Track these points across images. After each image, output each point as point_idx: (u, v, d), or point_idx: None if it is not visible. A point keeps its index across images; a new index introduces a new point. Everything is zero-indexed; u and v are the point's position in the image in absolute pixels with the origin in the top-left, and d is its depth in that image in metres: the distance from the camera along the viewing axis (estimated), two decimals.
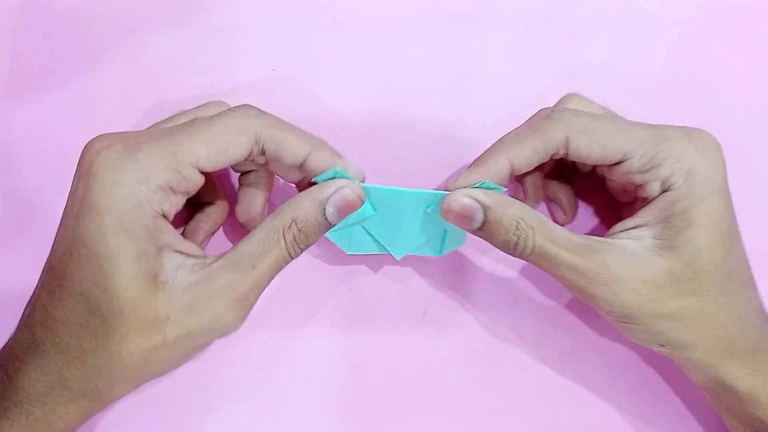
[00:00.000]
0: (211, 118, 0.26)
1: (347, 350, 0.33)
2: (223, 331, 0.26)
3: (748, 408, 0.27)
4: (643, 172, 0.27)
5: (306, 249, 0.27)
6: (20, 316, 0.26)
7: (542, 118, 0.28)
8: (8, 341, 0.26)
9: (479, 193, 0.27)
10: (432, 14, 0.37)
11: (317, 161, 0.27)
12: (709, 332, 0.27)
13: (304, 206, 0.26)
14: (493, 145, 0.29)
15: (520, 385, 0.33)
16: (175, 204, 0.26)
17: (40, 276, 0.26)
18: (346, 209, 0.27)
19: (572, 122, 0.27)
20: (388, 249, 0.31)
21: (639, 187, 0.28)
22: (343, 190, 0.27)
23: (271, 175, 0.31)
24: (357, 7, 0.36)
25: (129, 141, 0.25)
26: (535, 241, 0.26)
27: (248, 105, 0.27)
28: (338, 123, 0.35)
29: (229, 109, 0.27)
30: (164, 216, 0.25)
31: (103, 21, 0.36)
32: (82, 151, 0.25)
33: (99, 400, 0.26)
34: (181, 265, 0.25)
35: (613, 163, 0.27)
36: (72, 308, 0.24)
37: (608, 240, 0.27)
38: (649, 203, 0.27)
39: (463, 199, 0.27)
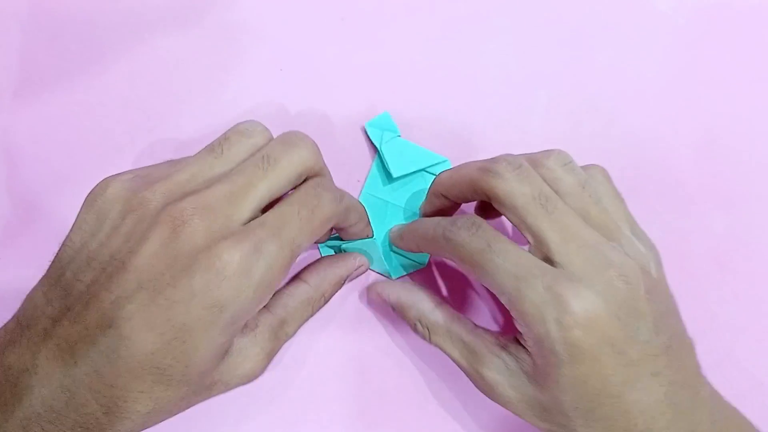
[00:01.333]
0: (312, 209, 0.26)
1: (356, 352, 0.33)
2: (249, 381, 0.28)
3: None
4: (512, 309, 0.26)
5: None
6: None
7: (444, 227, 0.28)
8: (9, 392, 0.24)
9: (387, 290, 0.31)
10: (440, 14, 0.37)
11: (356, 231, 0.31)
12: None
13: (332, 282, 0.31)
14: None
15: None
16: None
17: (61, 322, 0.24)
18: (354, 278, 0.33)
19: (459, 245, 0.27)
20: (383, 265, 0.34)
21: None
22: (361, 268, 0.32)
23: None
24: (365, 6, 0.36)
25: (254, 236, 0.24)
26: (431, 339, 0.30)
27: (330, 186, 0.28)
28: (346, 122, 0.35)
29: (317, 194, 0.27)
30: None
31: (111, 22, 0.36)
32: (171, 223, 0.24)
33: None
34: (237, 330, 0.26)
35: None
36: (141, 377, 0.23)
37: (497, 351, 0.27)
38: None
39: (373, 292, 0.32)
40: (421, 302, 0.30)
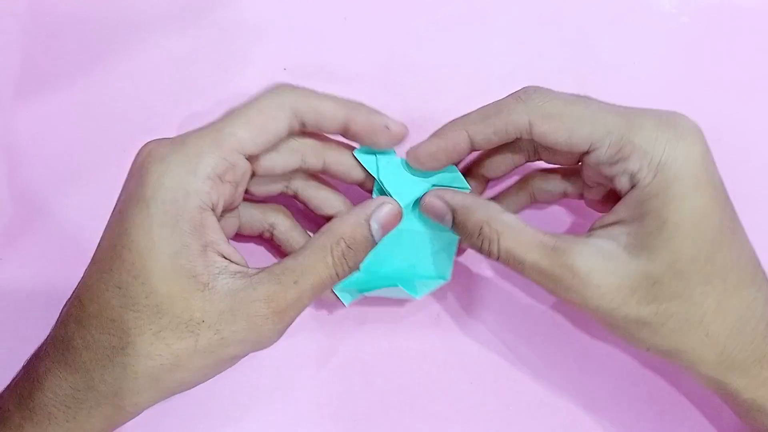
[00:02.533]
0: (246, 103, 0.26)
1: (360, 354, 0.33)
2: (258, 344, 0.25)
3: (756, 416, 0.26)
4: (611, 164, 0.25)
5: (353, 270, 0.26)
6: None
7: (511, 97, 0.27)
8: (45, 340, 0.26)
9: (449, 194, 0.27)
10: (443, 13, 0.36)
11: (359, 123, 0.27)
12: (696, 340, 0.24)
13: (350, 223, 0.26)
14: (457, 118, 0.28)
15: (533, 391, 0.33)
16: (223, 194, 0.25)
17: (83, 273, 0.26)
18: (389, 224, 0.27)
19: (537, 106, 0.26)
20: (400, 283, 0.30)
21: (612, 181, 0.26)
22: (385, 206, 0.27)
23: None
24: (368, 5, 0.36)
25: (176, 138, 0.25)
26: (500, 245, 0.26)
27: (281, 83, 0.27)
28: None
29: (264, 90, 0.27)
30: (212, 209, 0.25)
31: (111, 22, 0.36)
32: (136, 155, 0.26)
33: (122, 407, 0.25)
34: (224, 269, 0.24)
35: (580, 152, 0.26)
36: (107, 302, 0.24)
37: (582, 239, 0.25)
38: (623, 200, 0.25)
39: (430, 198, 0.28)
40: (488, 206, 0.27)
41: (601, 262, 0.24)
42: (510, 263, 0.26)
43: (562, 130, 0.25)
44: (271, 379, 0.32)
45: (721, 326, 0.24)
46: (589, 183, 0.29)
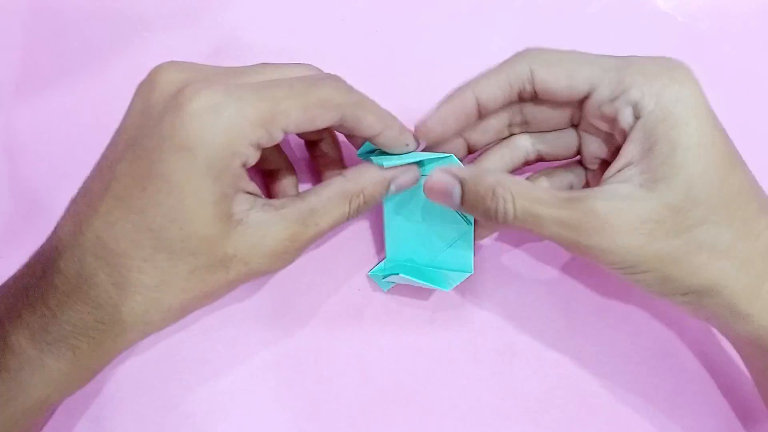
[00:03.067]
0: (309, 85, 0.25)
1: (357, 350, 0.33)
2: (274, 271, 0.28)
3: None
4: (612, 100, 0.25)
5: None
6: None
7: (513, 55, 0.28)
8: (37, 269, 0.25)
9: (454, 168, 0.27)
10: (440, 14, 0.36)
11: (386, 139, 0.28)
12: (734, 268, 0.23)
13: (374, 180, 0.28)
14: (462, 84, 0.29)
15: (530, 387, 0.33)
16: (254, 159, 0.26)
17: (83, 199, 0.25)
18: (403, 189, 0.29)
19: (536, 56, 0.27)
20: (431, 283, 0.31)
21: (615, 122, 0.26)
22: (409, 173, 0.29)
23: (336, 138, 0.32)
24: (365, 6, 0.36)
25: (228, 83, 0.24)
26: (516, 204, 0.25)
27: (338, 78, 0.27)
28: None
29: (322, 78, 0.26)
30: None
31: (111, 21, 0.36)
32: (155, 74, 0.25)
33: (147, 332, 0.26)
34: (253, 205, 0.26)
35: (581, 96, 0.26)
36: (139, 243, 0.24)
37: (596, 189, 0.25)
38: (629, 137, 0.25)
39: (438, 174, 0.27)
40: (496, 172, 0.28)
41: (622, 202, 0.24)
42: (527, 222, 0.25)
43: (563, 75, 0.26)
44: (269, 376, 0.33)
45: (755, 251, 0.24)
46: (591, 132, 0.29)
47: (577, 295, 0.34)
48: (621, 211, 0.24)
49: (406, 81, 0.36)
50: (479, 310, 0.34)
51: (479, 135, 0.30)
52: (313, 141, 0.31)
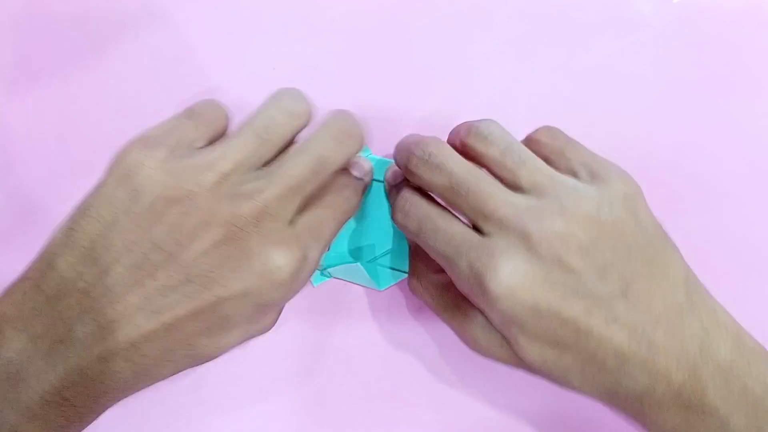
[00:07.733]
0: (346, 214, 0.29)
1: (343, 345, 0.33)
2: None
3: None
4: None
5: None
6: None
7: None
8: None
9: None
10: (431, 15, 0.37)
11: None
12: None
13: (352, 202, 0.29)
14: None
15: (516, 381, 0.33)
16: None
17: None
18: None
19: (401, 226, 0.29)
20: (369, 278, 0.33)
21: None
22: (368, 176, 0.31)
23: None
24: (356, 7, 0.37)
25: (303, 247, 0.26)
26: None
27: (346, 113, 0.29)
28: None
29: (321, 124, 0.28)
30: None
31: (104, 20, 0.36)
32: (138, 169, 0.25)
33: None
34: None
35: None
36: (173, 356, 0.25)
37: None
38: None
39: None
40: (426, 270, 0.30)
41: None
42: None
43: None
44: (255, 370, 0.33)
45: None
46: None
47: None
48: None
49: (397, 81, 0.36)
50: None
51: None
52: None
